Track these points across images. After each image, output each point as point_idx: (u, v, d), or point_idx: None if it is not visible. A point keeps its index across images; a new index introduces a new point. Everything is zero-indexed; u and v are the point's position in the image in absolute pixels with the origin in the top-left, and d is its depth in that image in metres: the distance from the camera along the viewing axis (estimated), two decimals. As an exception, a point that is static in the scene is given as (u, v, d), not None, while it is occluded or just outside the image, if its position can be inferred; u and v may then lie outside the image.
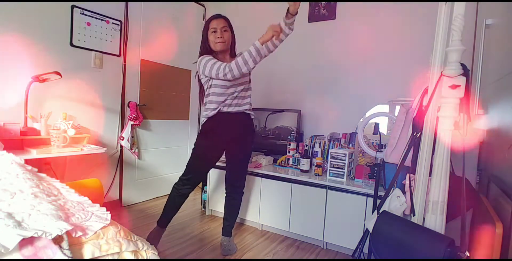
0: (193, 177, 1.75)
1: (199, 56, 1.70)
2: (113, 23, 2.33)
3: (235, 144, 1.77)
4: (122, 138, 2.43)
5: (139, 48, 2.56)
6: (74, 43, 2.10)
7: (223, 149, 1.80)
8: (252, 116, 1.80)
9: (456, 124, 0.98)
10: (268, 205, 2.12)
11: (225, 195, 1.92)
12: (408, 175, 1.13)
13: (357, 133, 2.04)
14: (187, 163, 1.76)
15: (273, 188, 2.09)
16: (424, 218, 1.02)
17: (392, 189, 1.16)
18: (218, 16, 1.69)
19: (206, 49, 1.69)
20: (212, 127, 1.70)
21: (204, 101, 1.73)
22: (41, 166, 1.83)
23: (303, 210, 1.98)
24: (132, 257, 0.78)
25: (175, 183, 1.78)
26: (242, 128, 1.76)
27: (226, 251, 1.80)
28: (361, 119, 2.18)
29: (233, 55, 1.77)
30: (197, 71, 1.72)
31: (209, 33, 1.65)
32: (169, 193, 1.81)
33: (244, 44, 2.92)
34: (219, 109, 1.66)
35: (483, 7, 1.70)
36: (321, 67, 2.53)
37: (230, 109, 1.68)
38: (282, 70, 2.71)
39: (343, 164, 1.92)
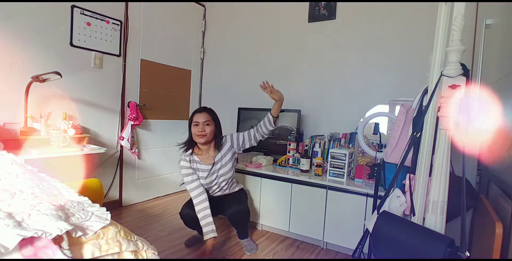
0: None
1: (185, 145, 1.82)
2: (113, 23, 2.33)
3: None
4: (122, 138, 2.43)
5: (139, 48, 2.56)
6: (74, 43, 2.10)
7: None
8: (242, 187, 1.99)
9: (456, 124, 0.98)
10: (268, 205, 2.12)
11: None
12: (408, 175, 1.13)
13: (357, 133, 2.04)
14: None
15: (273, 188, 2.09)
16: (424, 218, 1.02)
17: (392, 189, 1.16)
18: (201, 110, 1.77)
19: (191, 139, 1.79)
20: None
21: None
22: (41, 166, 1.83)
23: (303, 210, 1.98)
24: (132, 257, 0.78)
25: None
26: (230, 196, 1.91)
27: (247, 250, 1.83)
28: (361, 119, 2.17)
29: (218, 146, 1.83)
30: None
31: (192, 126, 1.75)
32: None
33: (243, 43, 2.93)
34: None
35: (483, 7, 1.70)
36: (321, 67, 2.53)
37: (211, 195, 1.85)
38: (282, 70, 2.71)
39: (343, 164, 1.92)
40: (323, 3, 2.47)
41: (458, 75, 0.93)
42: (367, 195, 1.74)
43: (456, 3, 0.95)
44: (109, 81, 2.36)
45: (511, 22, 1.26)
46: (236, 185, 1.95)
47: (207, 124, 1.73)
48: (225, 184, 1.83)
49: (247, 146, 1.85)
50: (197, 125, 1.72)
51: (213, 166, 1.77)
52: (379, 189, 1.54)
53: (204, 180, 1.76)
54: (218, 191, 1.84)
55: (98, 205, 0.94)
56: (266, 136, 1.85)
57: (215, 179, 1.78)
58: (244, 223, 1.88)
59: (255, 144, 1.86)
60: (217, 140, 1.81)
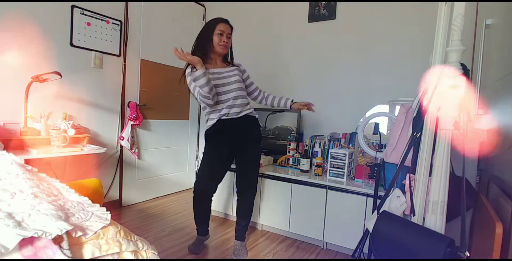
0: (202, 182, 1.78)
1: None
2: (113, 23, 2.33)
3: (242, 146, 1.74)
4: (122, 138, 2.43)
5: (139, 48, 2.56)
6: (74, 43, 2.10)
7: (230, 153, 1.75)
8: (256, 116, 1.80)
9: (456, 124, 0.98)
10: (268, 205, 2.12)
11: (236, 197, 1.86)
12: (408, 175, 1.13)
13: (357, 133, 2.04)
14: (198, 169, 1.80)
15: (273, 188, 2.09)
16: (424, 218, 1.02)
17: (392, 189, 1.16)
18: (226, 21, 1.70)
19: (200, 47, 1.69)
20: (215, 134, 1.70)
21: (205, 115, 1.76)
22: (41, 166, 1.83)
23: (303, 210, 1.98)
24: (132, 257, 0.78)
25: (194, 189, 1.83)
26: (246, 130, 1.74)
27: (235, 255, 1.76)
28: (361, 119, 2.17)
29: (225, 60, 1.78)
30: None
31: (215, 34, 1.66)
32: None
33: (243, 43, 2.93)
34: (219, 118, 1.68)
35: (483, 7, 1.70)
36: (321, 67, 2.53)
37: (230, 116, 1.68)
38: (282, 70, 2.71)
39: (343, 164, 1.92)
40: (323, 3, 2.47)
41: (458, 75, 0.93)
42: (367, 195, 1.74)
43: (456, 3, 0.95)
44: (109, 81, 2.36)
45: (511, 22, 1.26)
46: (250, 111, 1.76)
47: (228, 37, 1.69)
48: (234, 97, 1.67)
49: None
50: (221, 35, 1.65)
51: (227, 68, 1.71)
52: (379, 189, 1.54)
53: (222, 80, 1.66)
54: (236, 104, 1.68)
55: (98, 205, 0.94)
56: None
57: (232, 82, 1.67)
58: (245, 221, 1.83)
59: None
60: (227, 57, 1.78)
